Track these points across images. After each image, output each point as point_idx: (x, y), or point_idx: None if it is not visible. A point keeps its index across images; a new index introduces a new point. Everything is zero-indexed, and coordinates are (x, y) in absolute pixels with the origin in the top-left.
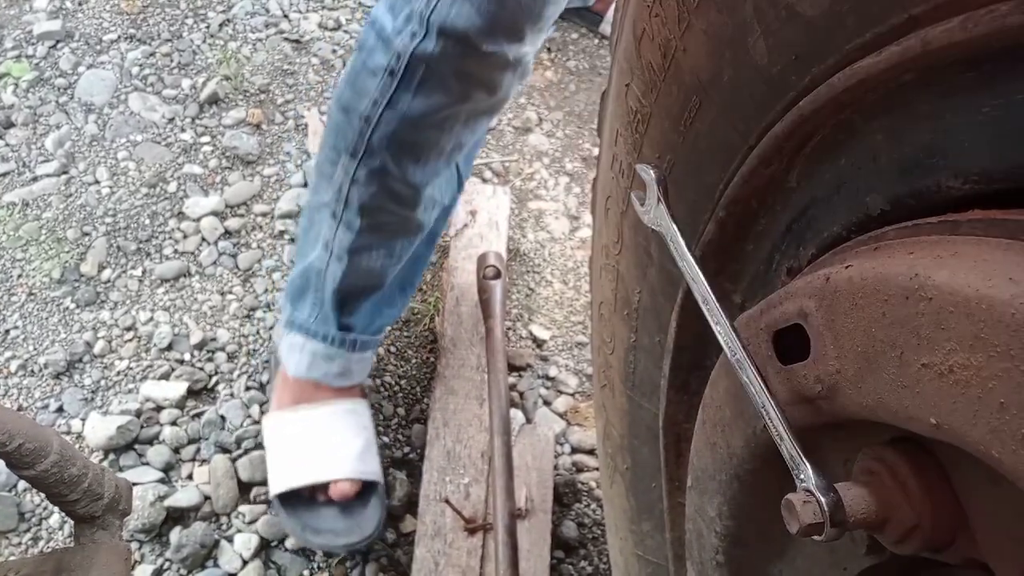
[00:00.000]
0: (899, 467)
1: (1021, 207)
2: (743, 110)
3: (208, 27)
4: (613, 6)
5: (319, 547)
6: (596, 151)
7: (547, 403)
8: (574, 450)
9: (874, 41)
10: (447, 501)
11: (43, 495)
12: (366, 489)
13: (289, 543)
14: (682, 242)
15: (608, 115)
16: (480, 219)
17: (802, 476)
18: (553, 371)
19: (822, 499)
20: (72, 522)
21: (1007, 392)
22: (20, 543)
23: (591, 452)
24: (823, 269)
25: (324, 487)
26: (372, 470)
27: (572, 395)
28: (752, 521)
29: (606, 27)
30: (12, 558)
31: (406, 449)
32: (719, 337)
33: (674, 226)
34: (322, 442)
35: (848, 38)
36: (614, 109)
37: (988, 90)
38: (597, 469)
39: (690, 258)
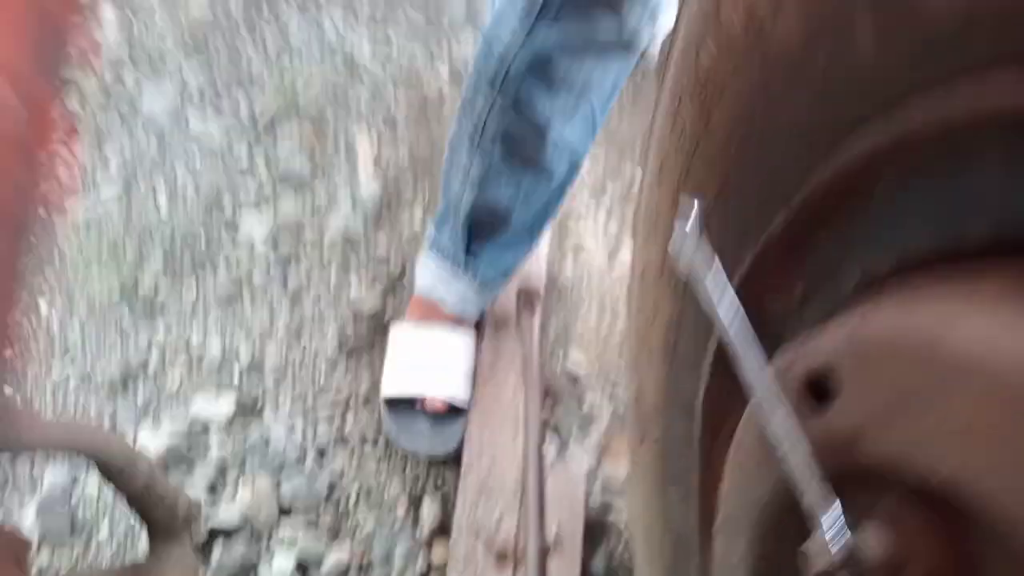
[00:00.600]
0: (918, 517)
1: None
2: (784, 155)
3: (267, 49)
4: (660, 34)
5: (410, 452)
6: (637, 182)
7: (581, 436)
8: (606, 486)
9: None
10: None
11: (126, 509)
12: (453, 410)
13: (327, 565)
14: (720, 279)
15: (654, 138)
16: None
17: (823, 522)
18: (587, 404)
19: (841, 545)
20: (120, 536)
21: (1017, 450)
22: (72, 555)
23: (622, 491)
24: (852, 318)
25: (423, 400)
26: (461, 397)
27: (605, 430)
28: (775, 568)
29: (651, 55)
30: (88, 568)
31: (439, 478)
32: (747, 383)
33: (715, 259)
34: (426, 362)
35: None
36: (661, 130)
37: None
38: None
39: (727, 295)
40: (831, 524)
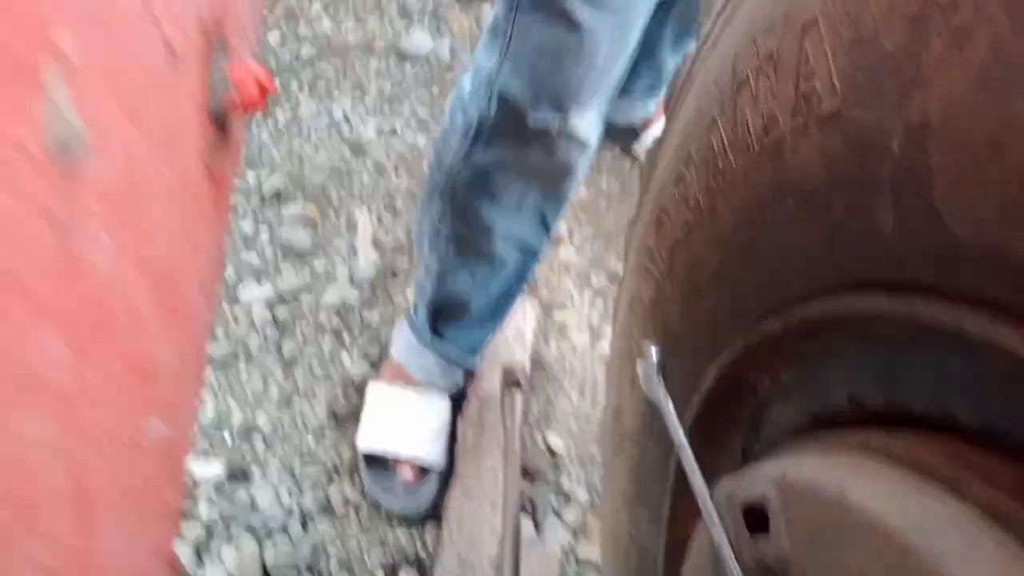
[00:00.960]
0: None
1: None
2: (743, 301)
3: (275, 124)
4: (650, 130)
5: (382, 506)
6: (621, 268)
7: (557, 514)
8: (579, 561)
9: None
10: None
11: None
12: (427, 471)
13: None
14: (674, 416)
15: (633, 247)
16: (508, 330)
17: None
18: (566, 482)
19: None
20: None
21: None
22: None
23: (597, 568)
24: (787, 460)
25: (396, 460)
26: (433, 458)
27: (582, 508)
28: None
29: (639, 148)
30: None
31: (420, 549)
32: (700, 506)
33: (668, 402)
34: (396, 422)
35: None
36: (638, 248)
37: (917, 355)
38: None
39: (680, 432)
40: None
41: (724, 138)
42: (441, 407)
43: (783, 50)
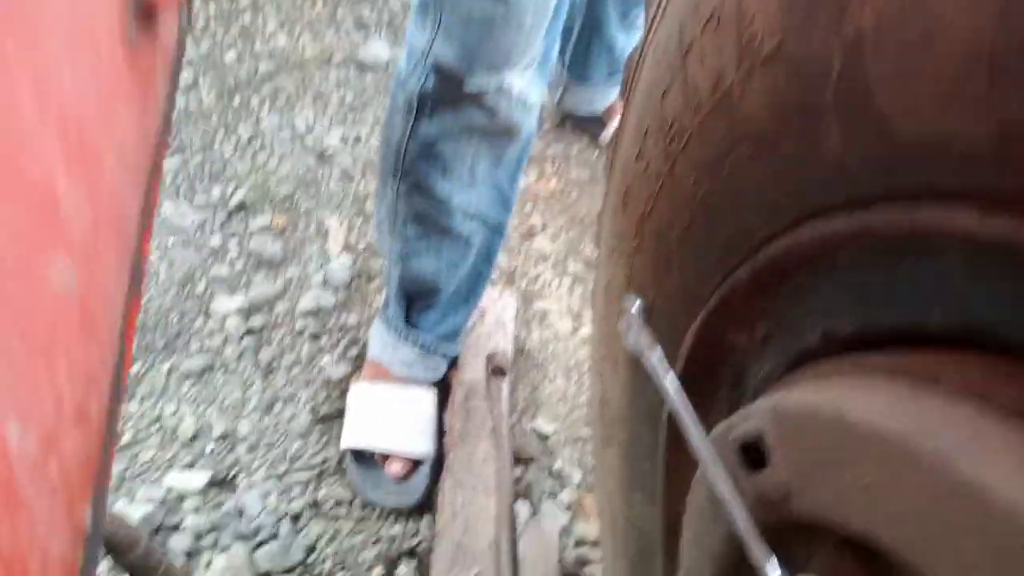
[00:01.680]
0: (848, 565)
1: (940, 350)
2: (711, 256)
3: (238, 140)
4: (615, 120)
5: (373, 502)
6: (596, 255)
7: (552, 496)
8: (578, 542)
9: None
10: None
11: None
12: (417, 463)
13: None
14: (661, 367)
15: (604, 234)
16: (488, 319)
17: (765, 571)
18: (558, 464)
19: None
20: None
21: (906, 504)
22: None
23: (595, 544)
24: (777, 393)
25: (384, 456)
26: (422, 450)
27: (576, 488)
28: None
29: (606, 137)
30: None
31: (415, 540)
32: (694, 449)
33: (654, 354)
34: (381, 418)
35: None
36: (608, 232)
37: (883, 268)
38: (600, 562)
39: (668, 381)
40: (774, 572)
41: (677, 103)
42: (425, 399)
43: (723, 4)
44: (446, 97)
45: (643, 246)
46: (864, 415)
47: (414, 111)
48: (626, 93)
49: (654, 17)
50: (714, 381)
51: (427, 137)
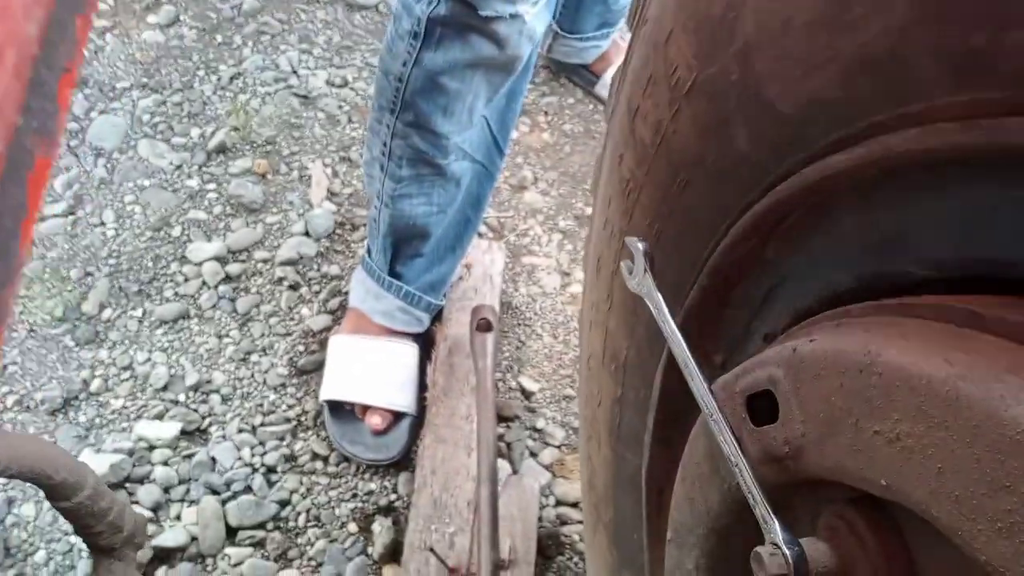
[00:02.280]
0: (858, 524)
1: (972, 295)
2: (725, 189)
3: (219, 80)
4: (610, 70)
5: (351, 456)
6: (589, 210)
7: (534, 455)
8: (559, 502)
9: (842, 140)
10: (432, 550)
11: (71, 527)
12: (397, 417)
13: None
14: (665, 310)
15: (602, 180)
16: (475, 273)
17: (771, 531)
18: (540, 423)
19: (787, 552)
20: (57, 558)
21: (943, 458)
22: None
23: (575, 505)
24: (792, 340)
25: (363, 408)
26: (403, 403)
27: (558, 447)
28: (727, 574)
29: (601, 89)
30: None
31: (392, 496)
32: (697, 399)
33: (658, 295)
34: (361, 370)
35: (820, 136)
36: (608, 175)
37: (942, 192)
38: (581, 522)
39: (672, 325)
40: (780, 532)
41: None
42: (407, 352)
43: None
44: (459, 23)
45: (641, 201)
46: (900, 358)
47: (421, 38)
48: (633, 25)
49: None
50: (715, 338)
51: (431, 68)
